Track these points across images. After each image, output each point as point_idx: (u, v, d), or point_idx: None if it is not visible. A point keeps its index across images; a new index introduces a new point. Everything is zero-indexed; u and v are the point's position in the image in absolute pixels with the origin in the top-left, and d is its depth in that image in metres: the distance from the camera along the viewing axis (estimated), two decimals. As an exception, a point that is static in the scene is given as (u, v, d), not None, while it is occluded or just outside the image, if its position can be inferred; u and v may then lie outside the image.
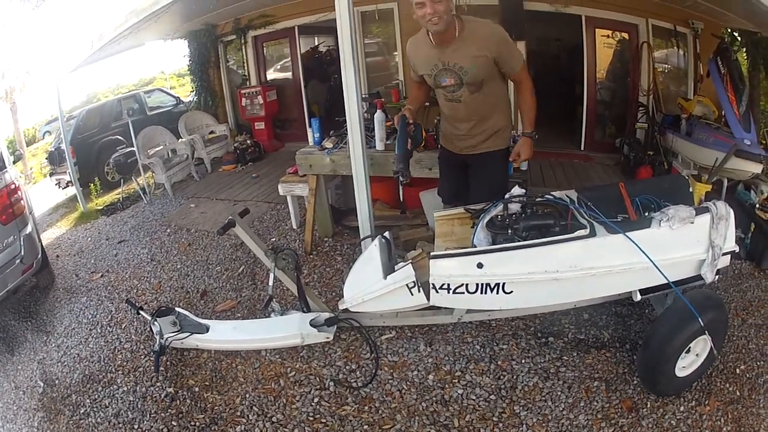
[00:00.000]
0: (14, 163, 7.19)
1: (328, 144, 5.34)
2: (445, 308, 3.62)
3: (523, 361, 3.64)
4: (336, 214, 5.98)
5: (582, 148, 8.75)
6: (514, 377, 3.51)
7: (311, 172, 5.40)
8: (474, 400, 3.37)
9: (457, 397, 3.40)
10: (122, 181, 9.09)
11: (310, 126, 5.65)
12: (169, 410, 3.62)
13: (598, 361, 3.57)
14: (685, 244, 2.98)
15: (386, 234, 3.74)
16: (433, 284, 3.19)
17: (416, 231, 5.24)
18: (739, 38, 6.86)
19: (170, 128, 9.75)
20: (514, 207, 3.30)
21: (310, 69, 11.21)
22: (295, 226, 6.35)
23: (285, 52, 10.97)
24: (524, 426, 3.15)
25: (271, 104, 10.60)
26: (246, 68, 11.10)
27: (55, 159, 10.48)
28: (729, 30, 6.97)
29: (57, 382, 4.17)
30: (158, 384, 3.89)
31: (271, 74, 11.33)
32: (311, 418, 3.38)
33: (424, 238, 4.76)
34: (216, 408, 3.58)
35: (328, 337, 3.89)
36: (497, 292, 3.09)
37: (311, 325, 3.87)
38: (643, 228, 2.93)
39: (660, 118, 7.29)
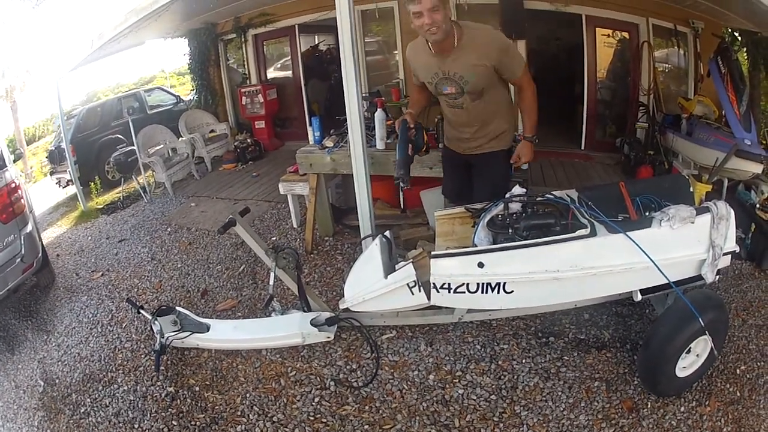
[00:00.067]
0: (14, 161, 7.20)
1: (328, 143, 5.34)
2: (446, 308, 3.62)
3: (523, 361, 3.64)
4: (336, 213, 5.98)
5: (582, 148, 8.75)
6: (515, 377, 3.51)
7: (312, 170, 5.39)
8: (475, 400, 3.37)
9: (457, 397, 3.40)
10: (122, 179, 9.09)
11: (311, 125, 5.66)
12: (169, 410, 3.62)
13: (599, 361, 3.57)
14: (685, 244, 2.98)
15: (387, 233, 3.74)
16: (433, 284, 3.19)
17: (417, 230, 5.24)
18: (739, 38, 6.85)
19: (170, 127, 9.76)
20: (515, 206, 3.30)
21: (311, 67, 11.21)
22: (295, 225, 6.35)
23: (285, 50, 10.97)
24: (525, 426, 3.15)
25: (272, 103, 10.60)
26: (246, 67, 11.10)
27: (55, 158, 10.48)
28: (729, 30, 6.97)
29: (57, 381, 4.17)
30: (159, 383, 3.88)
31: (272, 73, 11.33)
32: (312, 418, 3.38)
33: (425, 238, 4.77)
34: (216, 407, 3.58)
35: (328, 337, 3.89)
36: (498, 292, 3.09)
37: (312, 324, 3.87)
38: (643, 228, 2.93)
39: (660, 118, 7.29)
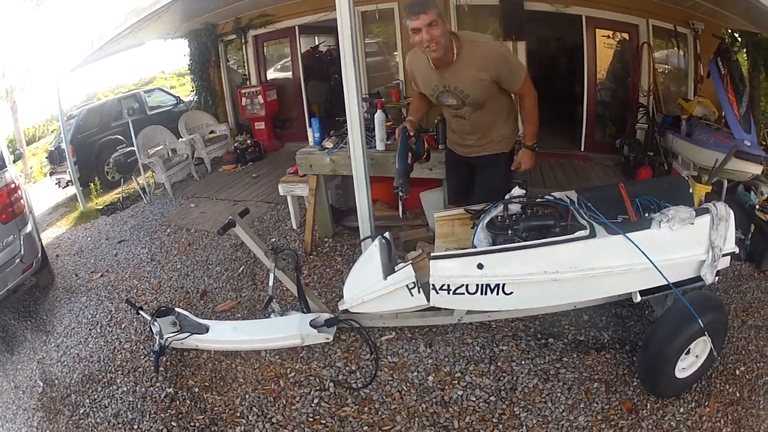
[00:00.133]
0: (14, 162, 7.20)
1: (328, 144, 5.34)
2: (445, 309, 3.61)
3: (523, 362, 3.64)
4: (336, 215, 5.98)
5: (582, 149, 8.74)
6: (514, 378, 3.51)
7: (311, 172, 5.39)
8: (474, 401, 3.37)
9: (457, 399, 3.40)
10: (122, 180, 9.09)
11: (311, 126, 5.65)
12: (168, 411, 3.62)
13: (598, 363, 3.57)
14: (685, 245, 2.98)
15: (386, 234, 3.74)
16: (433, 285, 3.19)
17: (416, 231, 5.24)
18: (739, 39, 6.87)
19: (170, 128, 9.74)
20: (515, 208, 3.31)
21: (311, 69, 11.21)
22: (295, 227, 6.35)
23: (285, 51, 10.96)
24: (524, 427, 3.15)
25: (272, 104, 10.59)
26: (246, 68, 11.10)
27: (55, 158, 10.50)
28: (729, 30, 6.98)
29: (56, 381, 4.17)
30: (158, 384, 3.88)
31: (272, 74, 11.32)
32: (311, 419, 3.38)
33: (425, 239, 4.77)
34: (216, 409, 3.58)
35: (327, 338, 3.89)
36: (497, 293, 3.09)
37: (311, 325, 3.87)
38: (643, 229, 2.93)
39: (660, 119, 7.29)
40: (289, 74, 11.03)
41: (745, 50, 6.83)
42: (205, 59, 10.97)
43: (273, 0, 9.58)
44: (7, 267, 4.97)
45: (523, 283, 3.06)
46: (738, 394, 3.24)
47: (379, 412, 3.38)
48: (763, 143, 5.64)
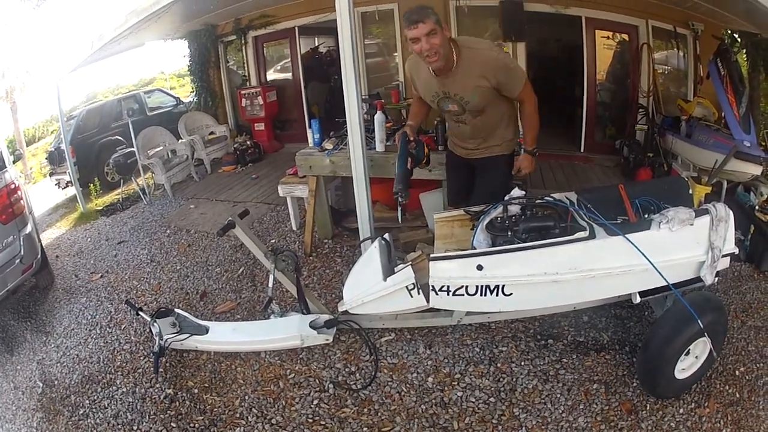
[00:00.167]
0: (14, 162, 7.20)
1: (328, 145, 5.34)
2: (445, 310, 3.62)
3: (522, 363, 3.64)
4: (336, 216, 5.98)
5: (582, 150, 8.75)
6: (514, 379, 3.51)
7: (311, 173, 5.40)
8: (473, 402, 3.37)
9: (456, 400, 3.40)
10: (122, 181, 9.09)
11: (310, 127, 5.66)
12: (168, 412, 3.62)
13: (598, 364, 3.57)
14: (684, 246, 2.98)
15: (386, 236, 3.74)
16: (432, 286, 3.19)
17: (416, 233, 5.24)
18: (739, 39, 6.87)
19: (170, 129, 9.74)
20: (514, 209, 3.31)
21: (310, 70, 11.19)
22: (294, 228, 6.35)
23: (285, 52, 10.96)
24: (524, 428, 3.15)
25: (271, 105, 10.58)
26: (246, 69, 11.10)
27: (54, 159, 10.48)
28: (729, 31, 6.98)
29: (56, 382, 4.17)
30: (157, 385, 3.88)
31: (271, 75, 11.32)
32: (311, 420, 3.38)
33: (424, 240, 4.77)
34: (215, 410, 3.58)
35: (327, 339, 3.89)
36: (497, 294, 3.09)
37: (311, 326, 3.87)
38: (642, 230, 2.93)
39: (660, 120, 7.29)
40: (288, 75, 11.02)
41: (744, 51, 6.84)
42: (204, 60, 10.97)
43: (273, 1, 9.58)
44: (7, 267, 4.97)
45: (522, 285, 3.06)
46: (738, 395, 3.25)
47: (379, 413, 3.38)
48: (763, 144, 5.64)
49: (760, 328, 3.87)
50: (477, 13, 8.56)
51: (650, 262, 2.84)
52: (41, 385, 4.16)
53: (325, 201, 5.67)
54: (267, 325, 4.11)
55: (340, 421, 3.36)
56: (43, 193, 11.09)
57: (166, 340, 3.92)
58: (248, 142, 10.10)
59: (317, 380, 3.70)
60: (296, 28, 10.22)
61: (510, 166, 3.93)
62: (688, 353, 3.11)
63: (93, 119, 10.63)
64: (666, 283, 2.91)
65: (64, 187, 10.33)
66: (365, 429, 3.29)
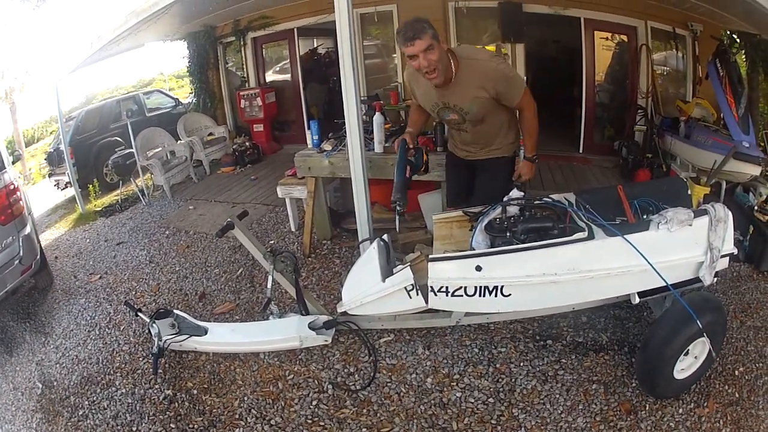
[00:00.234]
0: (13, 163, 7.19)
1: (326, 146, 5.34)
2: (444, 311, 3.61)
3: (521, 364, 3.64)
4: (334, 217, 5.98)
5: (580, 151, 8.75)
6: (513, 380, 3.51)
7: (310, 174, 5.40)
8: (472, 403, 3.37)
9: (455, 400, 3.40)
10: (121, 182, 9.09)
11: (309, 128, 5.68)
12: (167, 412, 3.62)
13: (597, 364, 3.57)
14: (683, 246, 2.98)
15: (385, 237, 3.74)
16: (431, 287, 3.19)
17: (415, 234, 5.24)
18: (738, 40, 6.87)
19: (169, 130, 9.74)
20: (513, 210, 3.31)
21: (309, 71, 11.22)
22: (293, 229, 6.35)
23: (284, 53, 10.96)
24: (523, 429, 3.15)
25: (270, 106, 10.58)
26: (245, 70, 11.11)
27: (54, 160, 10.49)
28: (728, 32, 6.98)
29: (55, 383, 4.17)
30: (157, 386, 3.88)
31: (270, 76, 11.32)
32: (310, 421, 3.38)
33: (423, 241, 4.76)
34: (214, 411, 3.58)
35: (326, 340, 3.89)
36: (495, 295, 3.09)
37: (310, 327, 3.87)
38: (641, 230, 2.93)
39: (659, 121, 7.29)
40: (287, 76, 11.02)
41: (743, 51, 6.83)
42: (204, 61, 10.97)
43: (272, 2, 9.58)
44: (6, 268, 4.97)
45: (521, 285, 3.06)
46: (737, 395, 3.25)
47: (378, 414, 3.38)
48: (762, 144, 5.65)
49: (759, 328, 3.87)
50: (476, 15, 8.56)
51: (649, 262, 2.84)
52: (40, 386, 4.16)
53: (323, 202, 5.67)
54: (266, 326, 4.11)
55: (339, 422, 3.35)
56: (42, 194, 11.09)
57: (165, 341, 3.92)
58: (247, 144, 10.11)
59: (316, 381, 3.70)
60: (295, 30, 10.23)
61: (511, 168, 3.94)
62: (687, 353, 3.11)
63: (92, 120, 10.62)
64: (665, 284, 2.91)
65: (63, 188, 10.34)
66: (364, 430, 3.29)
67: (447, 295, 3.18)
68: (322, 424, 3.35)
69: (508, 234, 3.14)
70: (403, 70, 8.25)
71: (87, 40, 7.89)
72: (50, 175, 10.84)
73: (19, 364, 4.54)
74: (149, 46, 10.39)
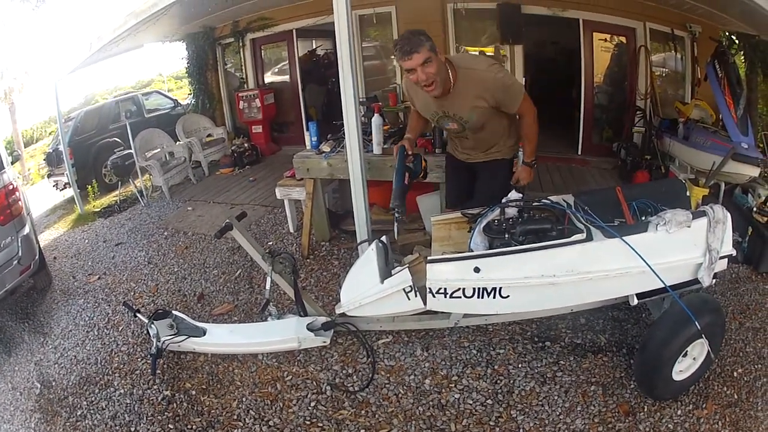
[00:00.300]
0: (12, 163, 7.19)
1: (325, 148, 5.34)
2: (442, 312, 3.60)
3: (519, 365, 3.64)
4: (333, 218, 5.98)
5: (579, 152, 8.74)
6: (511, 382, 3.51)
7: (308, 175, 5.40)
8: (471, 404, 3.37)
9: (453, 402, 3.40)
10: (120, 183, 9.10)
11: (308, 129, 5.65)
12: (165, 413, 3.62)
13: (595, 366, 3.57)
14: (682, 248, 2.98)
15: (383, 238, 3.73)
16: (429, 288, 3.19)
17: (413, 235, 5.23)
18: (737, 41, 6.87)
19: (168, 131, 9.74)
20: (511, 211, 3.32)
21: (308, 72, 11.20)
22: (292, 230, 6.35)
23: (283, 55, 10.96)
24: (521, 430, 3.16)
25: (269, 107, 10.57)
26: (244, 71, 11.09)
27: (53, 160, 10.49)
28: (727, 33, 6.98)
29: (54, 383, 4.17)
30: (155, 387, 3.88)
31: (269, 77, 11.30)
32: (308, 422, 3.38)
33: (421, 243, 4.76)
34: (213, 411, 3.58)
35: (324, 342, 3.88)
36: (494, 297, 3.09)
37: (308, 329, 3.87)
38: (639, 232, 2.93)
39: (657, 122, 7.30)
40: (286, 78, 11.01)
41: (742, 53, 6.84)
42: (202, 62, 10.97)
43: (271, 3, 9.58)
44: (5, 268, 4.97)
45: (519, 287, 3.06)
46: (736, 396, 3.25)
47: (376, 415, 3.38)
48: (761, 145, 5.65)
49: (758, 329, 3.88)
50: (474, 16, 8.56)
51: (647, 264, 2.84)
52: (39, 386, 4.16)
53: (322, 203, 5.67)
54: (264, 327, 4.10)
55: (337, 423, 3.35)
56: (41, 195, 11.11)
57: (163, 342, 3.92)
58: (246, 145, 10.11)
59: (314, 382, 3.70)
60: (294, 31, 10.22)
61: (510, 170, 3.94)
62: (685, 355, 3.11)
63: (91, 121, 10.63)
64: (663, 285, 2.91)
65: (62, 189, 10.34)
66: (362, 431, 3.29)
67: (445, 297, 3.18)
68: (321, 425, 3.35)
69: (506, 235, 3.14)
70: (402, 72, 8.29)
71: (86, 41, 7.88)
72: (49, 176, 10.86)
73: (18, 364, 4.54)
74: (148, 47, 10.38)
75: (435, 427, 3.24)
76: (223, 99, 11.38)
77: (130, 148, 8.47)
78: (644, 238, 2.91)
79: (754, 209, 4.92)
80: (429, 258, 3.19)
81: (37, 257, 5.50)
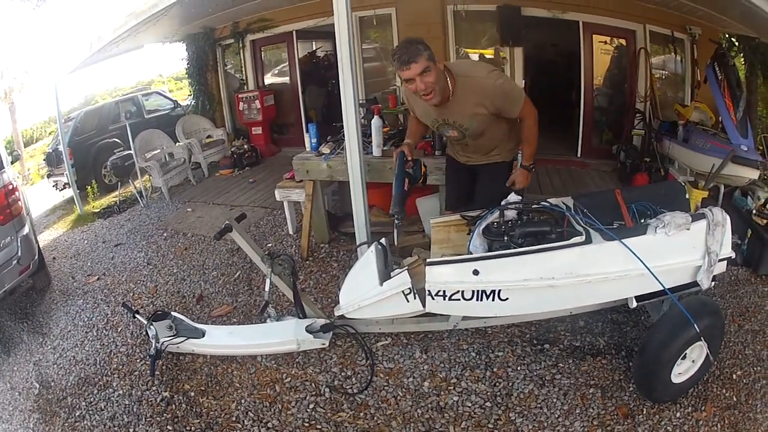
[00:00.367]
0: (12, 163, 7.20)
1: (325, 149, 5.34)
2: (441, 315, 3.60)
3: (518, 368, 3.64)
4: (332, 220, 5.98)
5: (579, 155, 8.73)
6: (510, 384, 3.51)
7: (308, 177, 5.40)
8: (469, 407, 3.37)
9: (452, 404, 3.40)
10: (119, 184, 9.11)
11: (307, 131, 5.66)
12: (164, 414, 3.62)
13: (594, 368, 3.57)
14: (681, 250, 2.98)
15: (382, 240, 3.73)
16: (429, 291, 3.18)
17: (412, 237, 5.23)
18: (736, 43, 6.88)
19: (167, 132, 9.74)
20: (511, 214, 3.31)
21: (308, 74, 11.20)
22: (291, 232, 6.34)
23: (283, 56, 10.96)
24: (520, 433, 3.16)
25: (269, 109, 10.58)
26: (244, 72, 11.10)
27: (52, 160, 10.50)
28: (727, 35, 6.99)
29: (53, 384, 4.17)
30: (154, 388, 3.88)
31: (269, 79, 11.31)
32: (307, 424, 3.38)
33: (421, 245, 4.76)
34: (211, 413, 3.58)
35: (323, 344, 3.88)
36: (493, 299, 3.09)
37: (307, 331, 3.87)
38: (639, 235, 2.93)
39: (657, 125, 7.31)
40: (286, 79, 11.01)
41: (742, 55, 6.85)
42: (202, 63, 10.98)
43: (271, 4, 9.58)
44: (4, 268, 4.97)
45: (518, 290, 3.06)
46: (735, 399, 3.25)
47: (375, 418, 3.37)
48: (760, 148, 5.66)
49: (757, 331, 3.88)
50: (474, 18, 8.57)
51: (646, 266, 2.84)
52: (38, 386, 4.16)
53: (321, 205, 5.67)
54: (263, 329, 4.10)
55: (336, 425, 3.35)
56: (41, 195, 11.12)
57: (162, 343, 3.92)
58: (245, 146, 10.13)
59: (313, 384, 3.70)
60: (294, 32, 10.23)
61: (511, 173, 3.93)
62: (684, 357, 3.11)
63: (91, 121, 10.64)
64: (662, 288, 2.91)
65: (62, 189, 10.36)
66: (361, 433, 3.29)
67: (444, 299, 3.18)
68: (319, 427, 3.35)
69: (505, 238, 3.14)
70: (401, 93, 8.27)
71: (86, 41, 7.88)
72: (49, 176, 10.87)
73: (17, 364, 4.54)
74: (148, 48, 10.41)
75: (434, 430, 3.24)
76: (223, 100, 11.39)
77: (130, 149, 8.47)
78: (643, 240, 2.91)
79: (754, 212, 4.92)
80: (428, 260, 3.19)
81: (36, 257, 5.51)
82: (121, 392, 3.90)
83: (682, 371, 3.16)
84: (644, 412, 3.18)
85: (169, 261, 6.13)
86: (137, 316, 4.21)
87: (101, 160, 9.98)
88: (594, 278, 2.97)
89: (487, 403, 3.38)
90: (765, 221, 4.73)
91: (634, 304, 3.14)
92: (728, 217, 3.02)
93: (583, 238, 2.94)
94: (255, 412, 3.53)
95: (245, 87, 11.05)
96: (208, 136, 10.57)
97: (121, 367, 4.22)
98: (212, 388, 3.80)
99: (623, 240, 2.88)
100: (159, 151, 9.16)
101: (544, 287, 3.01)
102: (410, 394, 3.52)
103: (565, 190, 6.96)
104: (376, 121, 4.98)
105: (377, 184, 5.01)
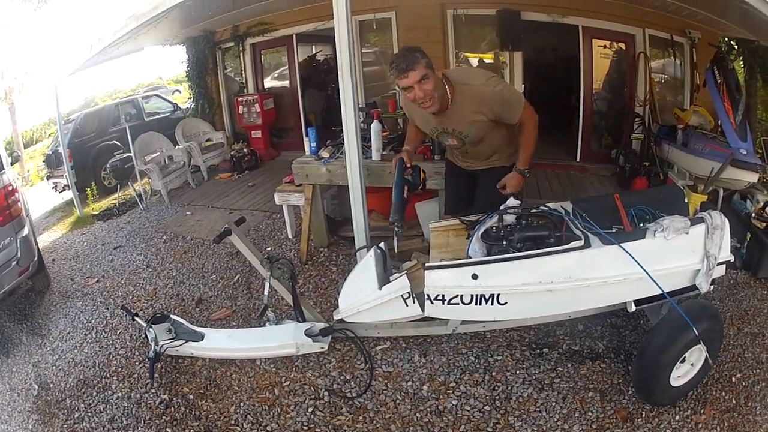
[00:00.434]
0: (12, 164, 7.20)
1: (324, 153, 5.35)
2: (440, 319, 3.61)
3: (517, 372, 3.64)
4: (332, 224, 5.98)
5: (578, 159, 8.75)
6: (509, 388, 3.51)
7: (307, 181, 5.41)
8: (468, 411, 3.37)
9: (451, 408, 3.40)
10: (119, 186, 9.11)
11: (307, 135, 5.67)
12: (163, 417, 3.61)
13: (593, 372, 3.57)
14: (680, 254, 2.99)
15: (381, 245, 3.72)
16: (428, 295, 3.18)
17: (411, 242, 5.23)
18: (736, 47, 6.89)
19: (167, 134, 9.76)
20: (509, 218, 3.31)
21: (308, 78, 11.22)
22: (290, 236, 6.34)
23: (282, 60, 10.96)
24: (519, 437, 3.16)
25: (268, 113, 10.58)
26: (244, 76, 11.10)
27: (52, 162, 10.51)
28: (726, 39, 6.99)
29: (52, 385, 4.17)
30: (153, 391, 3.88)
31: (269, 82, 11.32)
32: (306, 428, 3.38)
33: (420, 249, 4.75)
34: (210, 416, 3.57)
35: (322, 347, 3.88)
36: (492, 304, 3.08)
37: (306, 334, 3.86)
38: (637, 239, 2.93)
39: (656, 129, 7.31)
40: (286, 83, 11.02)
41: (741, 58, 6.85)
42: (202, 66, 10.98)
43: (272, 8, 9.59)
44: (4, 269, 4.98)
45: (517, 294, 3.06)
46: (734, 401, 3.25)
47: (374, 422, 3.37)
48: (759, 151, 5.66)
49: (756, 334, 3.88)
50: (474, 22, 8.59)
51: (645, 270, 2.85)
52: (37, 387, 4.16)
53: (321, 209, 5.67)
54: (262, 333, 4.11)
55: (335, 429, 3.35)
56: (40, 196, 11.12)
57: (161, 346, 3.91)
58: (245, 150, 10.13)
59: (312, 388, 3.70)
60: (294, 36, 10.24)
61: None
62: (683, 361, 3.11)
63: (91, 123, 10.65)
64: (661, 292, 2.91)
65: (61, 191, 10.36)
66: (360, 437, 3.29)
67: (443, 303, 3.17)
68: (318, 430, 3.35)
69: (504, 242, 3.14)
70: (400, 101, 8.28)
71: (87, 43, 7.88)
72: (48, 178, 10.88)
73: (16, 366, 4.54)
74: (148, 51, 10.39)
75: (432, 433, 3.24)
76: (222, 103, 11.39)
77: (130, 152, 8.47)
78: (642, 244, 2.91)
79: (753, 215, 4.92)
80: (427, 265, 3.18)
81: (35, 259, 5.52)
82: (120, 395, 3.90)
83: (681, 375, 3.16)
84: (643, 416, 3.18)
85: (168, 264, 6.13)
86: (136, 318, 4.20)
87: (101, 162, 10.00)
88: (593, 282, 2.97)
89: (486, 407, 3.38)
90: (764, 224, 4.74)
91: (633, 308, 3.14)
92: (727, 221, 3.02)
93: (582, 242, 2.94)
94: (254, 416, 3.52)
95: (245, 90, 11.06)
96: (208, 140, 10.58)
97: (120, 369, 4.21)
98: (211, 391, 3.80)
99: (622, 244, 2.88)
100: (158, 153, 9.18)
101: (543, 291, 3.01)
102: (409, 398, 3.52)
103: (564, 195, 6.96)
104: (375, 126, 4.99)
105: (376, 188, 5.01)
